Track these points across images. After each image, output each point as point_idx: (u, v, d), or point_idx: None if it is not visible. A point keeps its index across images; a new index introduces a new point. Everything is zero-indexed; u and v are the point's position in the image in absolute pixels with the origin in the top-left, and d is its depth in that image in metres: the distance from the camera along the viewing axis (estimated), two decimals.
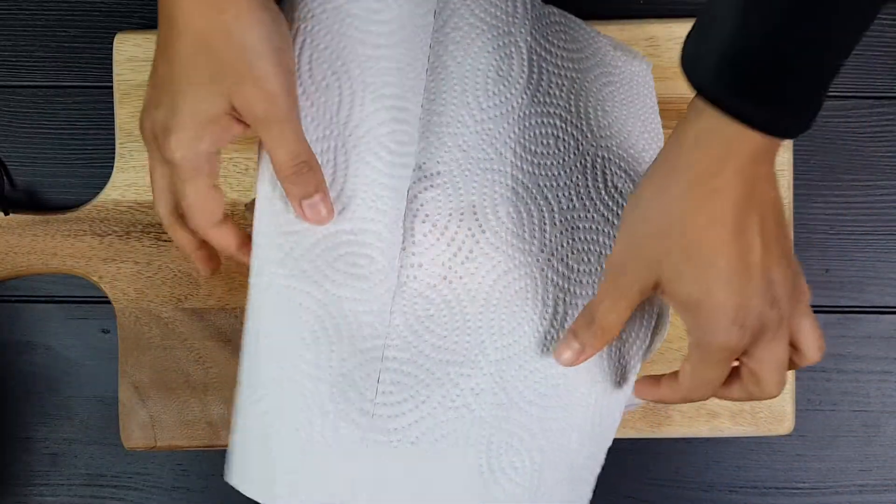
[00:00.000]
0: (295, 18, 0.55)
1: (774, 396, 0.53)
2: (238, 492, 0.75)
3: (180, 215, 0.56)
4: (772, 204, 0.50)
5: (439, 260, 0.58)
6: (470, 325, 0.58)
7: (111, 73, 0.70)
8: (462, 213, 0.58)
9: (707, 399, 0.54)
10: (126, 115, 0.70)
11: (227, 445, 0.71)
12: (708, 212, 0.48)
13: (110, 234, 0.71)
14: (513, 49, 0.60)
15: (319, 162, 0.54)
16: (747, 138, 0.46)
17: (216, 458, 0.74)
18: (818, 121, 0.73)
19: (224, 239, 0.56)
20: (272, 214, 0.54)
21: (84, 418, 0.74)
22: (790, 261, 0.51)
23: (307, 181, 0.53)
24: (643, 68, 0.67)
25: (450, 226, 0.58)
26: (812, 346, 0.53)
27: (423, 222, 0.57)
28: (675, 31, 0.71)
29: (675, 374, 0.54)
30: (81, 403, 0.74)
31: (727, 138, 0.47)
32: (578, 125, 0.62)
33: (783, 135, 0.47)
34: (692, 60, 0.47)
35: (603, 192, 0.62)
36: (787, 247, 0.51)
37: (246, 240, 0.56)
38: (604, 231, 0.61)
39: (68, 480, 0.74)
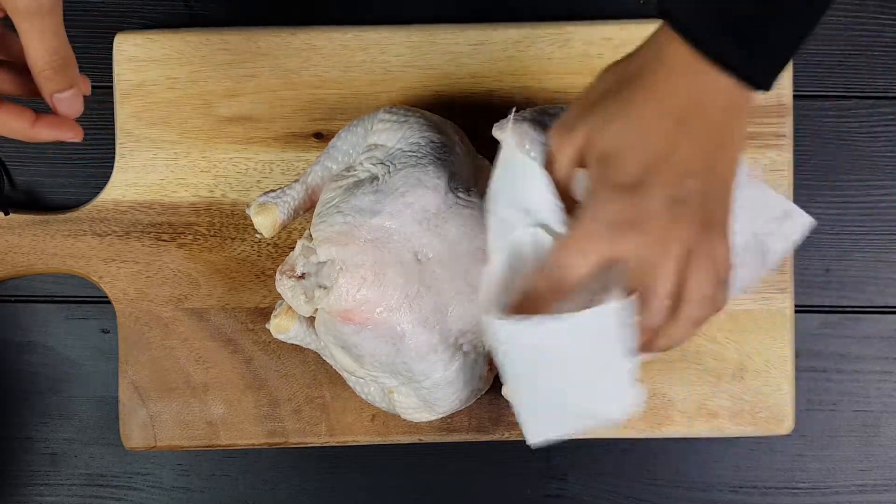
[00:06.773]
0: None
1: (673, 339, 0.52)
2: (238, 492, 0.75)
3: None
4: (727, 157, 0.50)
5: None
6: None
7: (111, 73, 0.70)
8: None
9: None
10: (126, 115, 0.70)
11: (227, 445, 0.71)
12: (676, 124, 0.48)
13: (110, 234, 0.71)
14: None
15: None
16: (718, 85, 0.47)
17: (216, 458, 0.74)
18: (818, 121, 0.74)
19: (9, 123, 0.53)
20: None
21: (84, 418, 0.74)
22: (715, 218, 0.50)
23: (62, 78, 0.52)
24: None
25: None
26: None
27: None
28: None
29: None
30: (81, 403, 0.74)
31: (701, 81, 0.47)
32: None
33: (756, 81, 0.47)
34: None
35: None
36: (714, 210, 0.50)
37: (40, 117, 0.53)
38: None
39: (68, 480, 0.74)
